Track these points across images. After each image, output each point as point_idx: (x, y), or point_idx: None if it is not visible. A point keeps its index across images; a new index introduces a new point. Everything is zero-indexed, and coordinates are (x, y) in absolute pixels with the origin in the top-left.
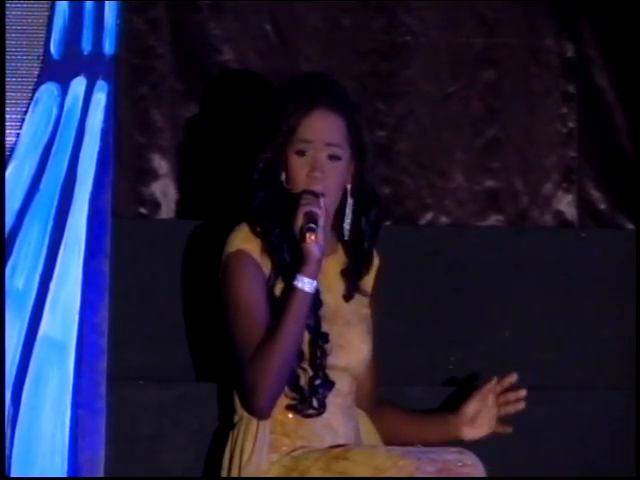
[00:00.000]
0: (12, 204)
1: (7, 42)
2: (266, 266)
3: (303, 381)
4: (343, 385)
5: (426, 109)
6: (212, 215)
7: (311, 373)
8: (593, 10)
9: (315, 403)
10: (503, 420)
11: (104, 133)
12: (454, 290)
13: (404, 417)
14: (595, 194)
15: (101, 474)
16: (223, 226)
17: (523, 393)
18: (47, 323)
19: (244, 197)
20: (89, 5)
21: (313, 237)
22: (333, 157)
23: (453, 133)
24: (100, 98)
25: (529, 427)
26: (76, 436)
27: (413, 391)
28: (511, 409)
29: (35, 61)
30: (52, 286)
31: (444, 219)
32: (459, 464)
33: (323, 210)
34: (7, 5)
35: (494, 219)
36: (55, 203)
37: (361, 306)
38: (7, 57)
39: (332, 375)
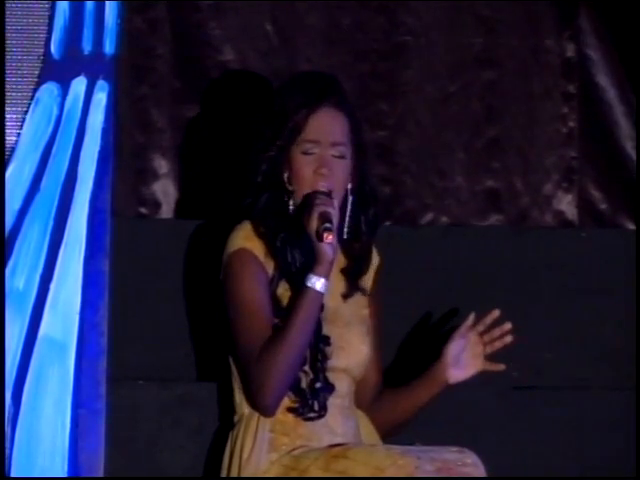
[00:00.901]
0: (12, 204)
1: (7, 42)
2: (269, 266)
3: (304, 384)
4: (342, 386)
5: (426, 109)
6: (212, 215)
7: (312, 376)
8: (593, 10)
9: (316, 406)
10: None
11: (104, 133)
12: (454, 290)
13: (398, 392)
14: (595, 194)
15: (101, 474)
16: (223, 226)
17: (508, 326)
18: (47, 323)
19: (245, 197)
20: (89, 5)
21: (330, 237)
22: (338, 156)
23: (453, 133)
24: (100, 98)
25: (529, 427)
26: (76, 436)
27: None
28: (498, 344)
29: (35, 61)
30: (52, 286)
31: (444, 219)
32: (459, 463)
33: (337, 210)
34: (7, 5)
35: (494, 219)
36: (55, 203)
37: (360, 307)
38: (7, 57)
39: (332, 376)
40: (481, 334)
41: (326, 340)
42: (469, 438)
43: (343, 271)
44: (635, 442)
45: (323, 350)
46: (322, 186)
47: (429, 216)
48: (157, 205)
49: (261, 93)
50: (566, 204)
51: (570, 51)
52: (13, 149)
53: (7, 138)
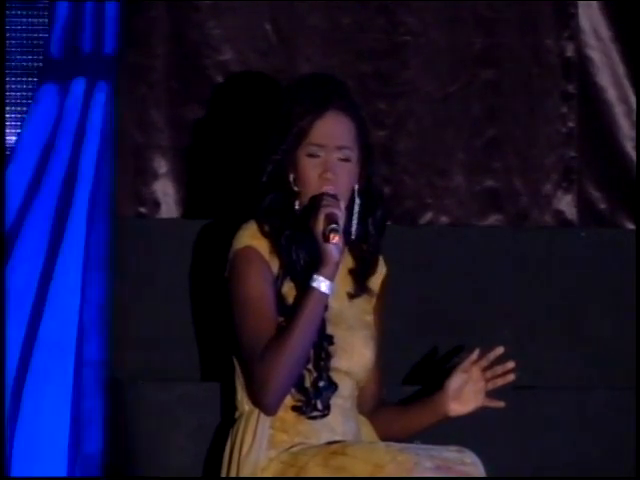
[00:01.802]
0: (12, 203)
1: (7, 42)
2: (274, 265)
3: (308, 382)
4: (344, 388)
5: (426, 109)
6: (212, 214)
7: (315, 375)
8: (593, 10)
9: (319, 405)
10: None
11: (104, 133)
12: (454, 290)
13: (398, 410)
14: (595, 194)
15: (101, 474)
16: (223, 225)
17: (511, 365)
18: (47, 323)
19: (248, 197)
20: (89, 5)
21: (337, 238)
22: (344, 159)
23: (453, 133)
24: (100, 98)
25: (529, 427)
26: (76, 436)
27: (412, 391)
28: (500, 382)
29: (35, 61)
30: (52, 285)
31: (444, 219)
32: (458, 462)
33: (343, 212)
34: (7, 5)
35: (494, 219)
36: (55, 203)
37: (365, 313)
38: (7, 57)
39: (334, 377)
40: (484, 370)
41: (330, 339)
42: (469, 438)
43: (351, 272)
44: (635, 442)
45: (327, 349)
46: (328, 189)
47: (429, 216)
48: (157, 205)
49: (261, 93)
50: (565, 204)
51: (570, 51)
52: (13, 149)
53: (7, 138)
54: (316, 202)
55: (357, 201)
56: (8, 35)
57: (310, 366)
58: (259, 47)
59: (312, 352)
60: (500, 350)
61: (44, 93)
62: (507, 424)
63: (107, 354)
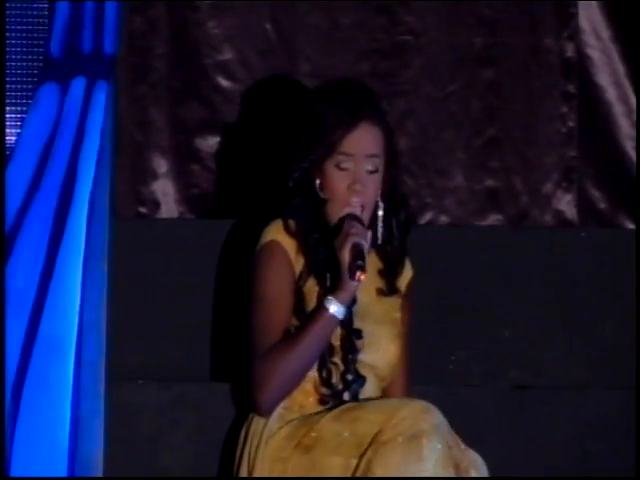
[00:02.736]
0: (12, 203)
1: (7, 42)
2: (298, 263)
3: (335, 377)
4: (367, 383)
5: (426, 109)
6: (212, 215)
7: (342, 368)
8: (593, 10)
9: (347, 397)
10: None
11: (104, 132)
12: (453, 290)
13: None
14: (595, 194)
15: (100, 474)
16: (223, 226)
17: None
18: (47, 322)
19: (277, 199)
20: (89, 5)
21: (363, 277)
22: (372, 171)
23: (453, 132)
24: (100, 97)
25: (529, 427)
26: (76, 436)
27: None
28: None
29: (35, 61)
30: (52, 285)
31: (444, 219)
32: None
33: (369, 241)
34: (7, 5)
35: (494, 219)
36: (55, 202)
37: (393, 309)
38: (7, 57)
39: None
40: None
41: (358, 333)
42: (469, 438)
43: (380, 272)
44: (635, 442)
45: (354, 343)
46: (355, 202)
47: (429, 215)
48: (156, 205)
49: (260, 92)
50: (565, 204)
51: (569, 51)
52: (13, 149)
53: (7, 138)
54: (343, 225)
55: (381, 205)
56: (8, 35)
57: (337, 359)
58: (259, 47)
59: (339, 345)
60: None
61: (44, 93)
62: (507, 424)
63: (107, 354)
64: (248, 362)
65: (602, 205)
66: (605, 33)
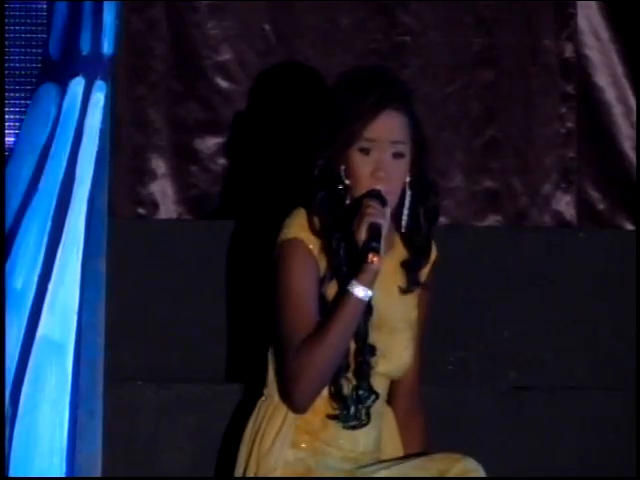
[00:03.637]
0: (11, 204)
1: (7, 42)
2: (321, 262)
3: (346, 390)
4: (379, 388)
5: (425, 109)
6: (211, 215)
7: (354, 382)
8: (592, 10)
9: (361, 415)
10: None
11: (102, 133)
12: (453, 290)
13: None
14: (594, 194)
15: (99, 474)
16: (222, 226)
17: None
18: (46, 323)
19: (300, 187)
20: (88, 5)
21: (376, 259)
22: (397, 155)
23: (452, 133)
24: (98, 98)
25: (529, 427)
26: (74, 436)
27: None
28: None
29: (34, 61)
30: (50, 286)
31: (443, 219)
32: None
33: (388, 218)
34: (7, 5)
35: (493, 219)
36: (53, 203)
37: (412, 308)
38: (6, 57)
39: (371, 379)
40: None
41: (372, 349)
42: (469, 438)
43: (403, 264)
44: (635, 442)
45: (369, 361)
46: (380, 188)
47: None
48: (155, 205)
49: (260, 92)
50: (564, 204)
51: (568, 51)
52: (11, 149)
53: (5, 138)
54: (361, 204)
55: (408, 193)
56: (7, 35)
57: (350, 374)
58: (258, 47)
59: (352, 360)
60: None
61: (42, 93)
62: (507, 424)
63: (106, 354)
64: (279, 357)
65: (601, 206)
66: (604, 34)
